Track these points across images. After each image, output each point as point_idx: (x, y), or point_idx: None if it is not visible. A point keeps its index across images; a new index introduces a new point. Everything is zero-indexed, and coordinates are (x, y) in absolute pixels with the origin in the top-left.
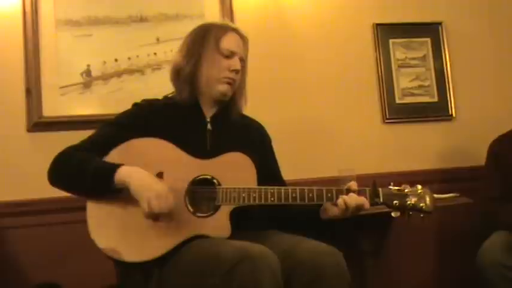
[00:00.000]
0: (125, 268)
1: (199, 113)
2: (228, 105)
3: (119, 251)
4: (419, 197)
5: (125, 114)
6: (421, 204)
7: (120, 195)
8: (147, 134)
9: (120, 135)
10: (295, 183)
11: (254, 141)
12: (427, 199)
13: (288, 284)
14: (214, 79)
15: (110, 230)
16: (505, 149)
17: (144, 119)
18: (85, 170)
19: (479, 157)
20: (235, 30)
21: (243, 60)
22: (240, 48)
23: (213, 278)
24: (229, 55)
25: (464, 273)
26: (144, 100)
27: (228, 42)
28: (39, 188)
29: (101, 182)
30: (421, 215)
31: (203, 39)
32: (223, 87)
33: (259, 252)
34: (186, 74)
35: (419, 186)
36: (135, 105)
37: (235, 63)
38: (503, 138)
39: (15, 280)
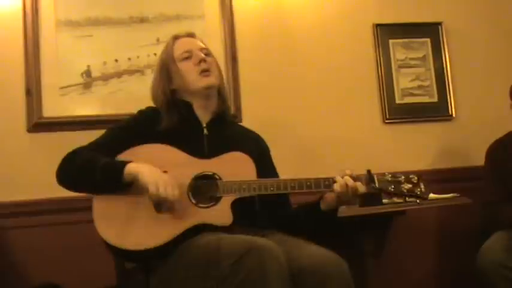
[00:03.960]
0: (126, 267)
1: (196, 120)
2: (220, 108)
3: (122, 240)
4: (414, 183)
5: (130, 119)
6: (417, 190)
7: (126, 192)
8: (148, 139)
9: (124, 138)
10: None
11: (251, 150)
12: (422, 185)
13: None
14: (191, 82)
15: (114, 220)
16: (502, 153)
17: (146, 126)
18: (94, 165)
19: (479, 157)
20: (180, 37)
21: (204, 48)
22: (194, 44)
23: (219, 269)
24: (187, 56)
25: (465, 273)
26: (148, 107)
27: (178, 47)
28: (39, 188)
29: (111, 175)
30: (417, 201)
31: (164, 61)
32: (203, 81)
33: (265, 244)
34: (167, 94)
35: (413, 175)
36: (140, 112)
37: (196, 56)
38: (499, 143)
39: (15, 280)
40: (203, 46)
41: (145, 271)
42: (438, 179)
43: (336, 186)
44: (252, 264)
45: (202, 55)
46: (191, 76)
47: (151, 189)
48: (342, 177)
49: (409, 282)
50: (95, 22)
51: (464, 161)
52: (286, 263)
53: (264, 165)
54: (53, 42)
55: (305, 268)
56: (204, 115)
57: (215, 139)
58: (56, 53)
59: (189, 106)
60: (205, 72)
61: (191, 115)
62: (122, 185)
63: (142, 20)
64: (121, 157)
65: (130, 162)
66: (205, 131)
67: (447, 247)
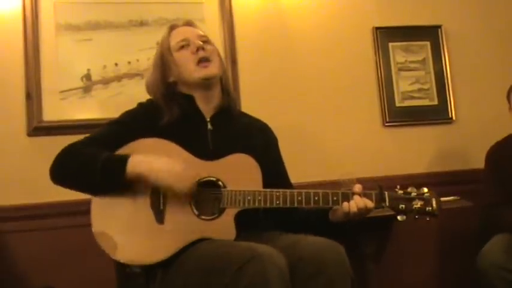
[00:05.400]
0: (126, 271)
1: (199, 114)
2: (224, 100)
3: (123, 254)
4: (426, 200)
5: (129, 113)
6: (428, 208)
7: (125, 197)
8: (150, 133)
9: (124, 133)
10: (296, 186)
11: (257, 142)
12: (434, 202)
13: (291, 279)
14: (188, 73)
15: (115, 233)
16: (502, 156)
17: (148, 118)
18: (94, 161)
19: (479, 160)
20: (175, 26)
21: (202, 36)
22: (190, 32)
23: (221, 277)
24: (184, 45)
25: (465, 275)
26: (148, 100)
27: (175, 37)
28: (39, 192)
29: (113, 170)
30: (427, 218)
31: (160, 52)
32: (201, 72)
33: (267, 252)
34: (160, 88)
35: (425, 189)
36: (140, 104)
37: (193, 44)
38: (499, 146)
39: (14, 285)
40: (202, 34)
41: (146, 277)
42: (438, 181)
43: (345, 206)
44: (254, 271)
45: (200, 43)
46: (188, 66)
47: (164, 184)
48: (352, 195)
49: (409, 284)
50: (95, 26)
51: (464, 164)
52: (287, 270)
53: (270, 157)
54: (53, 46)
55: (303, 257)
56: (207, 108)
57: (220, 134)
58: (56, 57)
59: (190, 99)
60: (203, 62)
61: (193, 109)
62: (123, 182)
63: (142, 24)
64: (119, 153)
65: (132, 155)
66: (209, 125)
67: (447, 249)
